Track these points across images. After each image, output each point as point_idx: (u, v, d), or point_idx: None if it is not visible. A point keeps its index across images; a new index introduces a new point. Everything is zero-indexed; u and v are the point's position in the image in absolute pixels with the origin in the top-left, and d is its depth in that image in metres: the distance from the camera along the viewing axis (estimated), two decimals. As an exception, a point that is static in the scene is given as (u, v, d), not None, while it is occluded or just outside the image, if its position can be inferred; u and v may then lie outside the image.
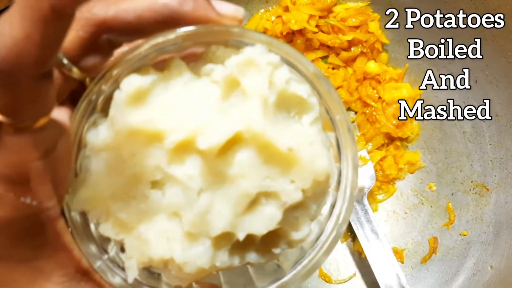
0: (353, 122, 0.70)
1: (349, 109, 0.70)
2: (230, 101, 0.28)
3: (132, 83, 0.28)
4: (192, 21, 0.28)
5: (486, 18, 0.59)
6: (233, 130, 0.27)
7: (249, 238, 0.28)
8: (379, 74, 0.68)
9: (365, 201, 0.65)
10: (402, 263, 0.66)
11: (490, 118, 0.64)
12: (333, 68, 0.68)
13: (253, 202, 0.28)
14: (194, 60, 0.31)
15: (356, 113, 0.70)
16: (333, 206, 0.31)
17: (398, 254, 0.66)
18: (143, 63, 0.29)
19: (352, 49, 0.68)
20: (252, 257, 0.29)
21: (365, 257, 0.63)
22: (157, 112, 0.28)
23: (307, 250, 0.31)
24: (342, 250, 0.68)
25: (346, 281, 0.66)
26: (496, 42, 0.60)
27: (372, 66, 0.68)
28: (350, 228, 0.67)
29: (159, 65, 0.30)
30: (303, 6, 0.65)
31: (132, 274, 0.28)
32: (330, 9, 0.67)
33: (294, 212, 0.29)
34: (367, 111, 0.69)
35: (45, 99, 0.23)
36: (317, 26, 0.66)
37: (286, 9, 0.67)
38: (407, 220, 0.68)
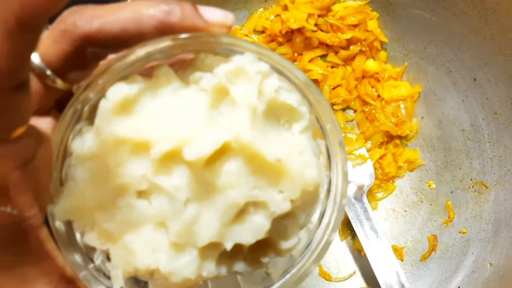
0: (352, 120, 0.70)
1: (348, 107, 0.70)
2: (218, 110, 0.28)
3: (118, 91, 0.27)
4: (179, 31, 0.28)
5: (485, 16, 0.59)
6: (220, 140, 0.26)
7: (237, 247, 0.28)
8: (378, 73, 0.68)
9: (365, 199, 0.65)
10: (402, 261, 0.66)
11: (489, 116, 0.64)
12: (332, 67, 0.69)
13: (241, 212, 0.28)
14: (182, 68, 0.30)
15: (355, 111, 0.70)
16: (322, 214, 0.31)
17: (398, 252, 0.66)
18: (130, 71, 0.29)
19: (351, 47, 0.68)
20: (240, 266, 0.29)
21: (365, 255, 0.63)
22: (144, 121, 0.27)
23: (297, 259, 0.31)
24: (341, 248, 0.68)
25: (346, 279, 0.67)
26: (494, 40, 0.60)
27: (371, 65, 0.68)
28: (349, 226, 0.67)
29: (147, 72, 0.30)
30: (302, 5, 0.65)
31: (118, 283, 0.28)
32: (329, 8, 0.67)
33: (282, 221, 0.29)
34: (366, 110, 0.69)
35: (20, 109, 0.22)
36: (316, 24, 0.66)
37: (285, 8, 0.67)
38: (406, 218, 0.68)
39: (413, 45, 0.68)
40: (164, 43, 0.28)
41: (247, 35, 0.69)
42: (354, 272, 0.67)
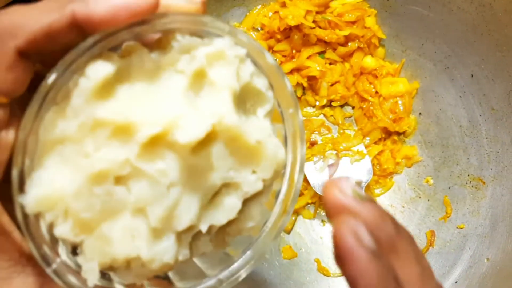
0: (350, 117, 0.71)
1: (346, 104, 0.71)
2: (197, 93, 0.28)
3: (100, 69, 0.26)
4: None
5: (482, 12, 0.60)
6: (210, 123, 0.26)
7: (208, 228, 0.28)
8: (376, 69, 0.68)
9: (363, 195, 0.65)
10: (400, 256, 0.67)
11: (486, 112, 0.64)
12: (330, 63, 0.69)
13: (215, 193, 0.28)
14: (152, 47, 0.29)
15: (353, 108, 0.70)
16: (278, 192, 0.31)
17: (396, 247, 0.66)
18: (98, 50, 0.27)
19: (349, 44, 0.68)
20: (207, 247, 0.29)
21: (363, 250, 0.63)
22: (126, 103, 0.26)
23: (254, 236, 0.31)
24: (340, 244, 0.68)
25: (344, 275, 0.67)
26: (491, 37, 0.60)
27: (369, 61, 0.68)
28: (348, 222, 0.67)
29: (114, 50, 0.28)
30: (300, 2, 0.66)
31: (93, 277, 0.27)
32: (327, 5, 0.67)
33: (249, 201, 0.29)
34: (364, 106, 0.69)
35: None
36: (314, 21, 0.66)
37: (283, 5, 0.67)
38: (404, 214, 0.69)
39: (411, 42, 0.68)
40: (146, 24, 0.27)
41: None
42: (352, 268, 0.67)
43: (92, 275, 0.27)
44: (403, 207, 0.69)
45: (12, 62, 0.25)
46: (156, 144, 0.26)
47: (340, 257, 0.26)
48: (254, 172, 0.28)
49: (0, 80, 0.25)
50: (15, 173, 0.26)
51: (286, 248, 0.67)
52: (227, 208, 0.28)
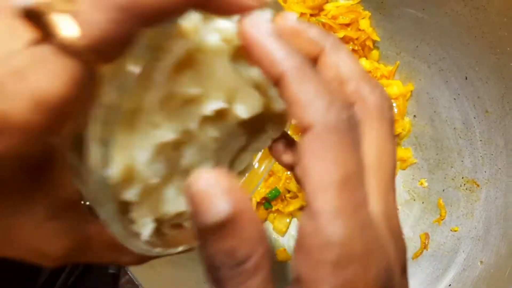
0: (345, 119, 0.71)
1: (341, 106, 0.71)
2: (239, 63, 0.29)
3: (181, 45, 0.27)
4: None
5: (475, 14, 0.60)
6: (262, 100, 0.29)
7: None
8: (371, 71, 0.68)
9: (357, 197, 0.65)
10: (394, 258, 0.66)
11: (480, 114, 0.64)
12: (324, 66, 0.69)
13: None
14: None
15: (348, 110, 0.70)
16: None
17: (390, 250, 0.66)
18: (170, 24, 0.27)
19: (344, 46, 0.68)
20: None
21: (357, 253, 0.63)
22: (193, 76, 0.28)
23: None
24: (334, 246, 0.68)
25: (339, 277, 0.67)
26: (485, 39, 0.60)
27: (363, 64, 0.68)
28: (342, 225, 0.67)
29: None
30: (294, 4, 0.66)
31: (148, 229, 0.29)
32: (321, 7, 0.67)
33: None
34: (359, 108, 0.69)
35: None
36: (308, 24, 0.66)
37: (278, 8, 0.67)
38: (399, 216, 0.68)
39: (405, 44, 0.68)
40: None
41: (240, 35, 0.69)
42: (347, 270, 0.67)
43: (147, 229, 0.29)
44: (397, 209, 0.69)
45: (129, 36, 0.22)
46: (216, 116, 0.29)
47: (252, 55, 0.21)
48: (266, 132, 0.31)
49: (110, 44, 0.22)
50: (94, 144, 0.25)
51: (281, 251, 0.68)
52: (241, 161, 0.33)
